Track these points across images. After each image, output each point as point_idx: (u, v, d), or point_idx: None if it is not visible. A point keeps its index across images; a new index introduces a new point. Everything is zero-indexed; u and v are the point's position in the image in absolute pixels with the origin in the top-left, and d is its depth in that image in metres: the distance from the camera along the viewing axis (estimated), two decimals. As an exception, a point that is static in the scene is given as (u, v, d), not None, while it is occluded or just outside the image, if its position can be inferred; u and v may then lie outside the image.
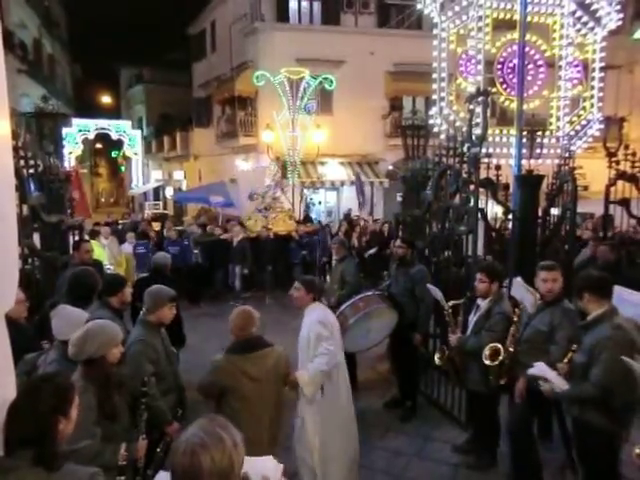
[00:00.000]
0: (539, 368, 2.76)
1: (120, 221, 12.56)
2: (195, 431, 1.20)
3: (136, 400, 2.41)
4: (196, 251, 8.71)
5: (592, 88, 9.88)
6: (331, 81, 13.93)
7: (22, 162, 3.95)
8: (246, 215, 11.12)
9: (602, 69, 9.83)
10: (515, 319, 3.27)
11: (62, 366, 2.32)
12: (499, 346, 3.21)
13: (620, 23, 9.52)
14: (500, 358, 3.18)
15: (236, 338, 2.78)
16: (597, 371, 2.56)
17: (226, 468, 1.16)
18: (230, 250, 8.73)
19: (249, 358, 2.71)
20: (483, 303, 3.55)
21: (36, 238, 4.21)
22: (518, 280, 3.43)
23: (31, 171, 4.18)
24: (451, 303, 3.74)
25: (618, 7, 9.27)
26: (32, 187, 4.20)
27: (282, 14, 15.89)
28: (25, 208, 3.91)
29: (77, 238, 5.29)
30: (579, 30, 9.72)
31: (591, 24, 9.63)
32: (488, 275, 3.46)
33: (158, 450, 2.56)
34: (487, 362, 3.21)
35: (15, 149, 3.64)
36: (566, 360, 2.74)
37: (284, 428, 2.96)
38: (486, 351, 3.23)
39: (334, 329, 3.22)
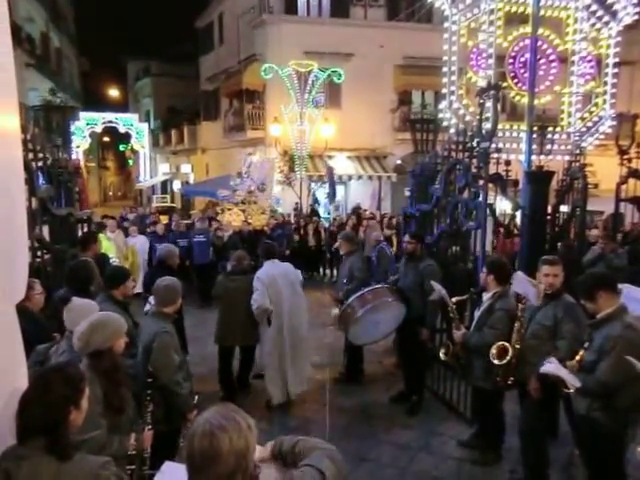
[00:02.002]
0: (551, 366, 2.72)
1: (129, 215, 12.63)
2: (211, 415, 1.24)
3: (142, 391, 2.45)
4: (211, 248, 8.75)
5: (605, 84, 9.67)
6: (340, 74, 13.84)
7: (31, 155, 3.95)
8: (219, 208, 11.12)
9: (616, 65, 9.61)
10: (519, 314, 3.24)
11: (73, 357, 2.34)
12: (507, 344, 3.18)
13: (637, 17, 9.27)
14: (508, 356, 3.16)
15: (233, 267, 4.65)
16: (603, 367, 2.55)
17: (243, 449, 1.21)
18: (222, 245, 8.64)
19: (233, 279, 4.58)
20: (486, 298, 3.54)
21: (45, 231, 4.23)
22: (519, 274, 3.39)
23: (40, 164, 4.18)
24: (455, 299, 3.73)
25: (635, 0, 9.03)
26: (41, 180, 4.22)
27: (290, 6, 15.78)
28: (34, 201, 3.93)
29: (85, 230, 5.32)
30: (593, 24, 9.49)
31: (606, 18, 9.38)
32: (486, 267, 3.59)
33: (182, 441, 2.64)
34: (495, 361, 3.18)
35: (24, 142, 3.65)
36: (577, 358, 2.71)
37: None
38: (493, 350, 3.20)
39: (273, 280, 4.27)
